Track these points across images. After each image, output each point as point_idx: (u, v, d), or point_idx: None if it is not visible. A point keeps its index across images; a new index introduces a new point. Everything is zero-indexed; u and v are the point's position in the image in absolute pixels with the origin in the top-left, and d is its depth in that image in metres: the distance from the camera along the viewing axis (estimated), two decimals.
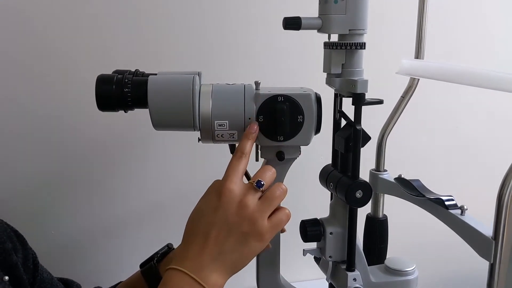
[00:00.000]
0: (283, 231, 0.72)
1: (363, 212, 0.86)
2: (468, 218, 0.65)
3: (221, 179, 0.60)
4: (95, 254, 1.07)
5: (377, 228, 0.87)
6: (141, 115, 0.67)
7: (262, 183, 0.58)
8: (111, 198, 1.04)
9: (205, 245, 0.56)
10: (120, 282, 0.79)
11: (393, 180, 0.81)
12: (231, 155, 0.72)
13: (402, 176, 0.80)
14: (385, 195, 0.86)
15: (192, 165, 1.06)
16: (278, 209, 0.60)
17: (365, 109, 0.64)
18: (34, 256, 0.67)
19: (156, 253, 0.76)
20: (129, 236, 1.07)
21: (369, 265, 0.72)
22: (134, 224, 1.07)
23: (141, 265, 0.76)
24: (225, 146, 0.70)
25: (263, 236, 0.58)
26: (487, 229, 0.61)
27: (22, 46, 0.92)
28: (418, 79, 0.81)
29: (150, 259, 0.76)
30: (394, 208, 0.89)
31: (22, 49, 0.92)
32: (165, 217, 1.08)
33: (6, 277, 0.58)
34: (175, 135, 0.96)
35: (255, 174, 0.60)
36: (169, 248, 0.77)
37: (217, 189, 0.58)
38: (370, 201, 0.87)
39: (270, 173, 0.60)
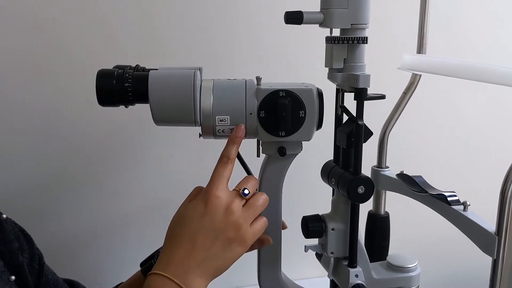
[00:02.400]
0: (284, 227, 0.72)
1: (365, 209, 0.85)
2: (470, 214, 0.65)
3: (205, 185, 0.62)
4: (96, 252, 1.06)
5: (379, 225, 0.87)
6: (143, 111, 0.67)
7: (248, 191, 0.61)
8: (112, 195, 1.04)
9: (191, 250, 0.57)
10: (121, 283, 0.78)
11: (395, 177, 0.80)
12: None
13: (404, 172, 0.80)
14: (387, 192, 0.86)
15: (194, 161, 1.05)
16: (257, 217, 0.62)
17: (367, 105, 0.64)
18: (40, 257, 0.67)
19: (157, 251, 0.76)
20: (131, 233, 1.07)
21: (371, 262, 0.72)
22: (136, 222, 1.07)
23: (141, 264, 0.76)
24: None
25: (246, 241, 0.59)
26: (490, 225, 0.61)
27: (23, 42, 0.92)
28: (420, 75, 0.81)
29: (150, 257, 0.75)
30: (396, 205, 0.89)
31: (23, 45, 0.92)
32: (167, 214, 1.08)
33: (13, 277, 0.58)
34: (177, 130, 0.96)
35: (239, 183, 0.62)
36: None
37: (203, 196, 0.60)
38: (371, 198, 0.87)
39: (254, 183, 0.63)
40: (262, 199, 0.62)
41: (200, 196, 0.61)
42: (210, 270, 0.58)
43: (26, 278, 0.60)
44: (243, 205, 0.60)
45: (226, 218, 0.58)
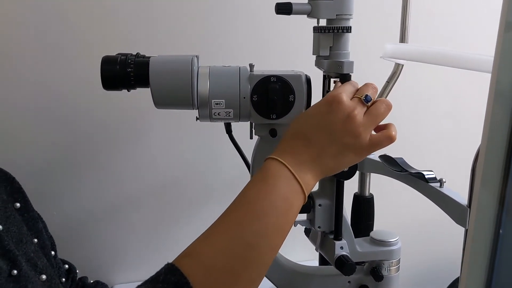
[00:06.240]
0: None
1: (351, 192, 0.90)
2: (446, 190, 0.69)
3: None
4: (97, 236, 1.10)
5: (364, 206, 0.91)
6: (144, 96, 0.71)
7: (370, 98, 0.59)
8: (114, 179, 1.07)
9: (308, 145, 0.58)
10: None
11: (378, 159, 0.85)
12: (227, 134, 0.77)
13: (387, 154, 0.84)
14: (372, 176, 0.90)
15: (194, 144, 1.09)
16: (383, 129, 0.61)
17: None
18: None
19: None
20: (132, 216, 1.10)
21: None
22: (138, 205, 1.10)
23: None
24: (222, 127, 0.74)
25: (362, 151, 0.59)
26: (463, 199, 0.66)
27: (24, 34, 0.96)
28: (402, 66, 0.86)
29: None
30: (383, 192, 0.94)
31: (25, 36, 0.96)
32: (167, 196, 1.12)
33: (35, 240, 0.64)
34: (175, 117, 0.99)
35: (359, 90, 0.61)
36: None
37: (327, 97, 0.59)
38: (357, 181, 0.92)
39: (374, 90, 0.61)
40: (384, 106, 0.59)
41: (324, 98, 0.60)
42: (322, 168, 0.58)
43: (44, 243, 0.66)
44: (364, 113, 0.59)
45: (346, 123, 0.57)
